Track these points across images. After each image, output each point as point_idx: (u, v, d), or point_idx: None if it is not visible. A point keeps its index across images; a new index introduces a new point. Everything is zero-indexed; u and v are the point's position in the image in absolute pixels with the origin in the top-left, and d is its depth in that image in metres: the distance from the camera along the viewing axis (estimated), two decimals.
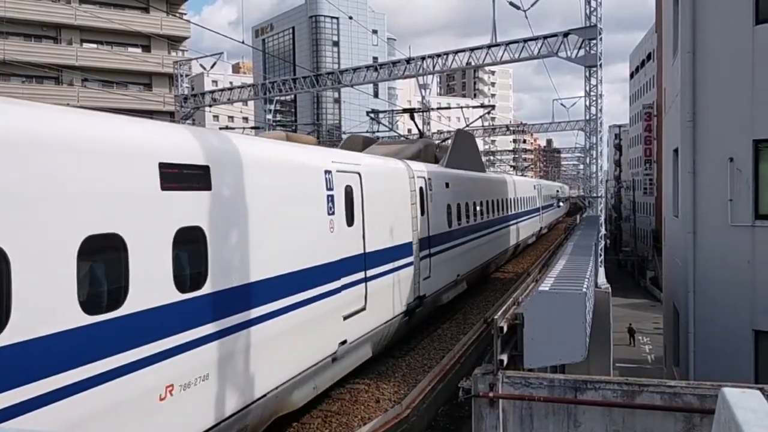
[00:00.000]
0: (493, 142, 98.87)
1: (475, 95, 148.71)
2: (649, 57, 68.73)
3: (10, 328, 4.72)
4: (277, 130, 14.39)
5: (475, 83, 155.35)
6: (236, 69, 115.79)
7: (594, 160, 19.96)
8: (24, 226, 4.94)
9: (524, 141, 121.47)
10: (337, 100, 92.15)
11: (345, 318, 10.11)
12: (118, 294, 5.82)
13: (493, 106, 35.87)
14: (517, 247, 29.48)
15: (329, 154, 10.46)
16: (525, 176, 55.97)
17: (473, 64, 24.06)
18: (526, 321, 7.85)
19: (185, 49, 49.30)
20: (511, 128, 59.66)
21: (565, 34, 20.09)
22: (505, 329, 7.68)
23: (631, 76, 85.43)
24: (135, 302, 5.91)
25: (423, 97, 33.40)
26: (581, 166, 75.05)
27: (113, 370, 5.60)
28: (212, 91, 34.71)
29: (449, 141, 20.67)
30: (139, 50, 46.79)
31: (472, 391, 7.53)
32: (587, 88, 19.29)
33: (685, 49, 12.09)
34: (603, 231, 20.20)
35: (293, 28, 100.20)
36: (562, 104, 48.90)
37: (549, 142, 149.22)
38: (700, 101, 11.97)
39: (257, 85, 32.05)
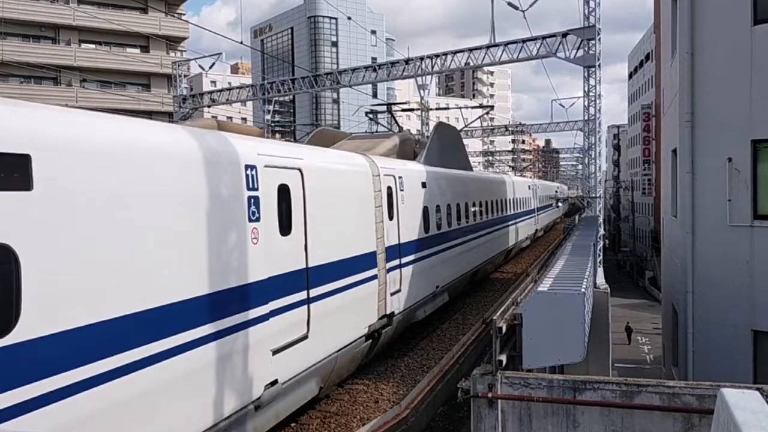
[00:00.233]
0: (491, 142, 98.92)
1: (473, 95, 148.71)
2: (647, 57, 68.80)
3: None
4: (210, 119, 10.98)
5: (473, 84, 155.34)
6: (235, 69, 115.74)
7: (593, 161, 19.96)
8: None
9: (523, 141, 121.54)
10: (336, 101, 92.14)
11: (275, 352, 8.06)
12: None
13: (491, 107, 35.87)
14: (509, 251, 27.74)
15: (255, 145, 8.28)
16: (524, 176, 55.95)
17: (472, 64, 24.06)
18: (524, 321, 7.86)
19: (184, 50, 49.27)
20: (509, 128, 59.64)
21: (564, 35, 20.10)
22: (504, 330, 7.68)
23: (630, 76, 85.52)
24: None
25: (422, 98, 33.36)
26: (580, 167, 75.15)
27: None
28: (211, 92, 34.70)
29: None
30: (137, 51, 46.75)
31: (471, 392, 7.53)
32: (586, 89, 19.29)
33: (683, 49, 12.10)
34: (602, 231, 20.20)
35: (292, 28, 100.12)
36: (560, 104, 49.16)
37: (548, 142, 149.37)
38: (698, 101, 11.97)
39: (256, 85, 32.04)
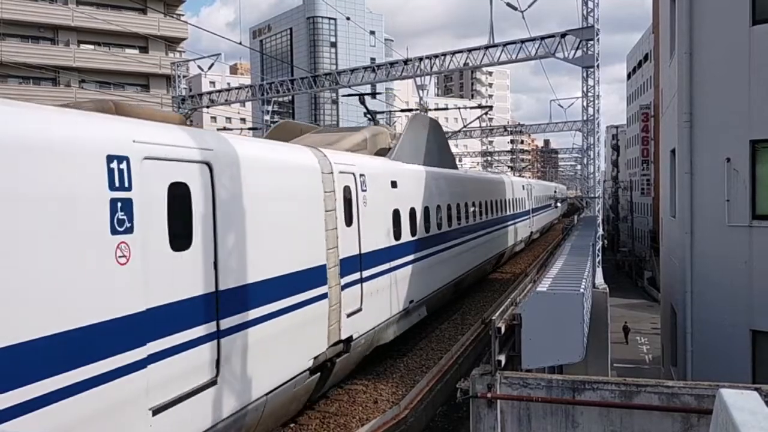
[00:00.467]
0: (490, 142, 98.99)
1: (472, 96, 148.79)
2: (646, 58, 68.87)
3: None
4: (104, 99, 7.83)
5: (472, 84, 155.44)
6: (234, 70, 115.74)
7: (591, 161, 19.97)
8: None
9: (522, 142, 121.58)
10: (335, 101, 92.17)
11: (157, 411, 6.09)
12: None
13: (490, 107, 35.87)
14: (500, 256, 25.84)
15: (131, 130, 6.28)
16: (522, 176, 55.91)
17: (471, 64, 24.06)
18: (523, 321, 7.87)
19: (183, 51, 49.27)
20: (508, 129, 59.66)
21: (563, 35, 20.11)
22: (503, 330, 7.69)
23: (629, 76, 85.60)
24: None
25: (421, 98, 33.39)
26: (579, 167, 75.23)
27: None
28: (210, 92, 34.68)
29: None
30: (136, 51, 46.74)
31: (470, 392, 7.53)
32: (585, 89, 19.30)
33: (682, 49, 12.11)
34: (600, 231, 20.21)
35: (291, 29, 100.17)
36: (559, 105, 48.99)
37: (546, 142, 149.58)
38: (697, 102, 11.99)
39: (255, 86, 32.03)
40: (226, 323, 7.16)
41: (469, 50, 23.59)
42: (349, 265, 10.42)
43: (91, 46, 44.70)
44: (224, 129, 61.34)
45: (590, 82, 19.13)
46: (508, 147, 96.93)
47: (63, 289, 5.19)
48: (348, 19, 36.47)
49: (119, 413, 5.70)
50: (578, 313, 7.94)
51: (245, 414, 7.56)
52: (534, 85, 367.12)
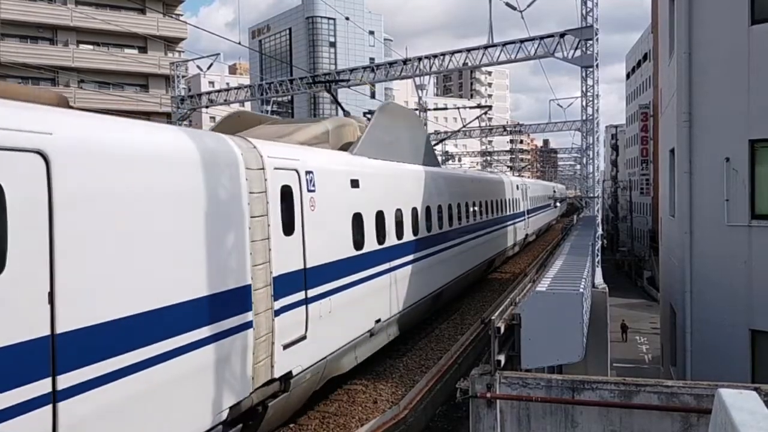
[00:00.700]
0: (490, 142, 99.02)
1: (471, 96, 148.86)
2: (645, 57, 68.91)
3: None
4: None
5: (471, 84, 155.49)
6: (233, 70, 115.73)
7: (591, 161, 19.97)
8: None
9: (521, 141, 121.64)
10: (334, 101, 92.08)
11: None
12: None
13: (490, 107, 35.81)
14: (491, 262, 23.84)
15: None
16: (522, 176, 55.88)
17: (470, 64, 24.05)
18: (523, 321, 7.88)
19: (182, 51, 49.25)
20: (507, 129, 59.66)
21: (562, 35, 20.11)
22: (503, 330, 7.69)
23: (628, 76, 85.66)
24: None
25: (420, 98, 33.41)
26: (578, 167, 75.31)
27: None
28: (209, 92, 34.67)
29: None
30: (135, 51, 46.73)
31: (469, 392, 7.54)
32: (584, 89, 19.30)
33: (681, 49, 12.12)
34: (600, 231, 20.21)
35: (290, 29, 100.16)
36: (558, 105, 48.97)
37: (546, 142, 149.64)
38: (696, 101, 11.99)
39: (254, 86, 32.02)
40: (73, 379, 5.19)
41: (469, 50, 23.58)
42: (287, 283, 8.48)
43: (90, 46, 44.69)
44: None
45: (589, 81, 19.13)
46: (508, 147, 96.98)
47: None
48: (347, 19, 36.48)
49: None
50: (577, 312, 7.95)
51: None
52: (533, 84, 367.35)
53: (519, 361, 7.93)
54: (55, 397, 5.07)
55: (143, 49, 46.64)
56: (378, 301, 11.85)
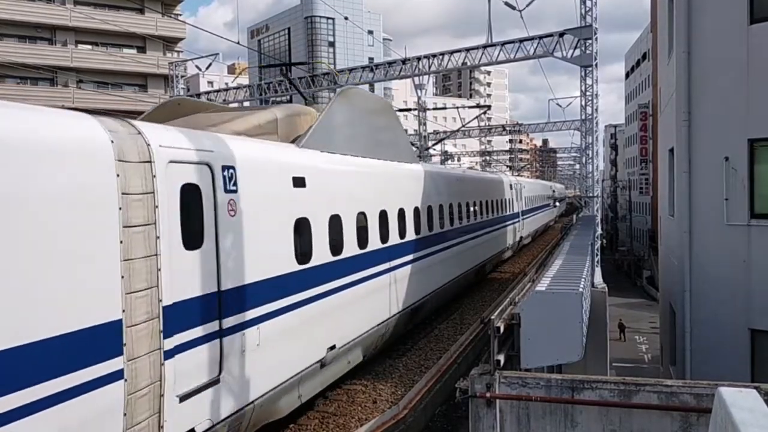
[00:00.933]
0: (489, 142, 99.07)
1: (471, 95, 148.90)
2: (644, 57, 68.92)
3: None
4: None
5: (471, 83, 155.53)
6: (232, 70, 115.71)
7: (590, 160, 19.97)
8: None
9: (520, 141, 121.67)
10: None
11: None
12: None
13: (489, 106, 35.85)
14: (479, 270, 21.81)
15: None
16: (521, 176, 55.83)
17: (469, 64, 24.04)
18: (522, 321, 7.87)
19: (181, 50, 49.23)
20: (507, 128, 59.68)
21: (561, 34, 20.10)
22: (502, 329, 7.69)
23: (627, 75, 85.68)
24: None
25: (419, 98, 33.40)
26: (577, 166, 75.32)
27: None
28: (208, 92, 34.66)
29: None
30: (134, 51, 46.71)
31: (469, 392, 7.53)
32: (583, 88, 19.30)
33: (680, 48, 12.11)
34: (599, 231, 20.21)
35: (289, 28, 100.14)
36: (558, 104, 48.94)
37: (545, 142, 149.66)
38: (695, 100, 11.99)
39: (253, 85, 32.01)
40: None
41: (468, 50, 23.57)
42: (189, 313, 6.66)
43: (89, 47, 44.67)
44: None
45: (588, 81, 19.12)
46: (507, 146, 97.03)
47: None
48: (346, 18, 36.46)
49: None
50: (577, 312, 7.94)
51: None
52: (532, 84, 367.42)
53: (518, 361, 7.93)
54: None
55: (142, 49, 46.62)
56: (332, 323, 9.91)
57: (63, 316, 5.27)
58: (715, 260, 11.83)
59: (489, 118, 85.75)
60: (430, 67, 24.73)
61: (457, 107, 53.27)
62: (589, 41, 18.86)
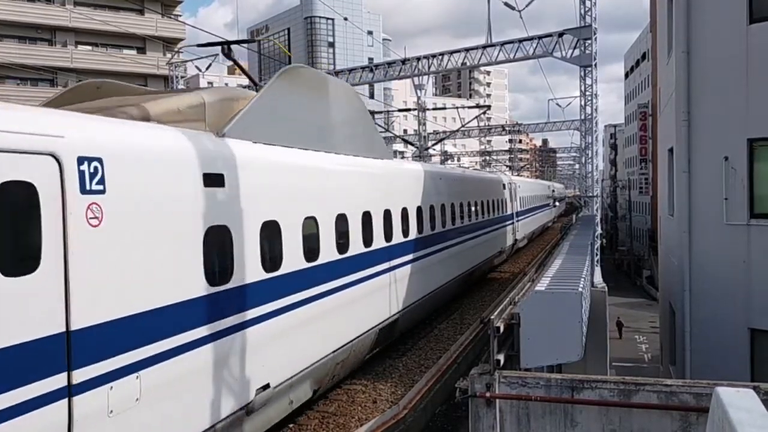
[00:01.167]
0: (489, 142, 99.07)
1: (470, 95, 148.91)
2: (644, 56, 68.93)
3: None
4: None
5: (470, 83, 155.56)
6: (231, 70, 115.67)
7: (590, 160, 19.99)
8: None
9: (520, 141, 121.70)
10: None
11: None
12: None
13: (488, 106, 35.85)
14: (466, 278, 19.67)
15: None
16: (521, 175, 55.81)
17: (469, 64, 24.06)
18: (522, 321, 7.88)
19: (180, 51, 49.26)
20: (506, 128, 59.74)
21: (560, 34, 20.11)
22: (502, 329, 7.70)
23: (626, 75, 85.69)
24: None
25: (418, 98, 33.41)
26: (577, 166, 75.31)
27: None
28: None
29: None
30: (134, 52, 46.73)
31: (469, 392, 7.54)
32: (582, 88, 19.31)
33: (679, 48, 12.12)
34: (599, 230, 20.23)
35: (288, 29, 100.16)
36: (557, 104, 49.00)
37: (545, 142, 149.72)
38: (694, 100, 12.00)
39: (252, 86, 32.01)
40: None
41: (467, 50, 23.59)
42: (9, 365, 4.76)
43: (89, 47, 44.70)
44: None
45: (588, 81, 19.14)
46: (507, 147, 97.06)
47: None
48: (346, 19, 36.44)
49: None
50: (577, 312, 7.95)
51: None
52: (532, 84, 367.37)
53: (518, 361, 7.93)
54: None
55: (142, 50, 46.64)
56: (264, 357, 7.98)
57: None
58: (714, 260, 11.84)
59: (489, 118, 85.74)
60: (429, 68, 24.74)
61: (457, 107, 53.28)
62: (589, 41, 18.88)
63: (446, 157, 54.13)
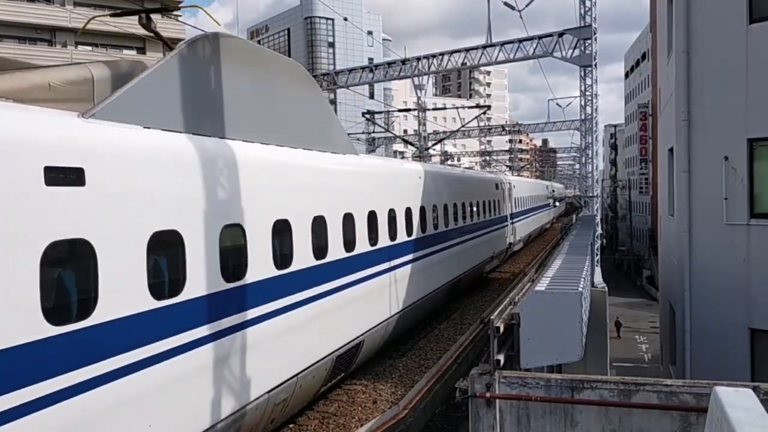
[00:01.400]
0: (489, 142, 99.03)
1: (470, 95, 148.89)
2: (644, 56, 68.94)
3: None
4: None
5: (470, 83, 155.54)
6: None
7: (590, 160, 19.99)
8: None
9: (520, 141, 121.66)
10: (333, 102, 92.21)
11: None
12: None
13: (488, 107, 35.82)
14: (453, 286, 17.84)
15: None
16: (521, 176, 55.76)
17: (469, 64, 24.06)
18: (522, 321, 7.87)
19: None
20: (506, 128, 59.70)
21: (560, 34, 20.11)
22: (502, 329, 7.69)
23: (626, 75, 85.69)
24: None
25: (418, 98, 33.42)
26: (577, 166, 75.29)
27: None
28: None
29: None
30: (134, 53, 46.75)
31: (469, 392, 7.53)
32: (582, 88, 19.31)
33: (679, 48, 12.12)
34: (599, 230, 20.22)
35: (288, 29, 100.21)
36: (557, 104, 48.99)
37: (545, 142, 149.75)
38: (694, 100, 12.00)
39: None
40: None
41: (467, 50, 23.59)
42: None
43: (89, 48, 44.72)
44: None
45: (588, 81, 19.14)
46: (507, 147, 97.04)
47: None
48: (345, 19, 36.40)
49: None
50: (577, 312, 7.95)
51: None
52: (532, 84, 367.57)
53: (518, 361, 7.93)
54: None
55: (142, 51, 46.67)
56: (161, 408, 6.12)
57: None
58: (714, 260, 11.84)
59: (489, 118, 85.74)
60: (429, 68, 24.75)
61: (457, 107, 53.24)
62: (589, 41, 18.88)
63: (446, 157, 54.10)
